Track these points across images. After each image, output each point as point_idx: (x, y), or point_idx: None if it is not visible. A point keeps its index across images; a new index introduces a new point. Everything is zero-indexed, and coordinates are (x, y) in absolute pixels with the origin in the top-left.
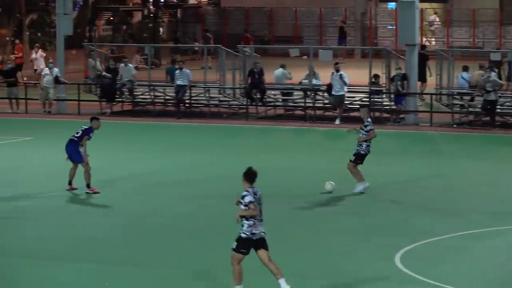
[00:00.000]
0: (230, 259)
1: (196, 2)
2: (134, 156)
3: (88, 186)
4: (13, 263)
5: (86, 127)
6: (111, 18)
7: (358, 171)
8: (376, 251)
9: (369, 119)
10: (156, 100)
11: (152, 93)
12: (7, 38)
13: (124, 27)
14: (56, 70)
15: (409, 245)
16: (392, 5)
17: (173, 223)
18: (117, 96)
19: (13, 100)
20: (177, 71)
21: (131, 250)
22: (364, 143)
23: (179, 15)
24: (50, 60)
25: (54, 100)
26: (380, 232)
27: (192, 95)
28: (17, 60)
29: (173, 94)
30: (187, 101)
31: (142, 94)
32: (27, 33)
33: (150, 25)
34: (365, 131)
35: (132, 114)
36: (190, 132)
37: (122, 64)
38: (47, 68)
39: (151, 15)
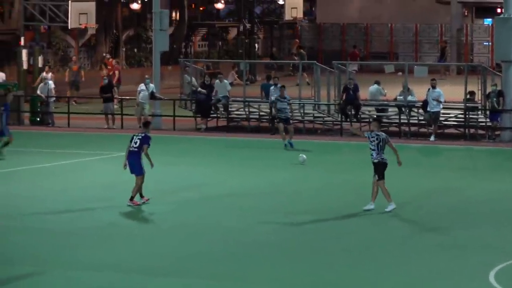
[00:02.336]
0: (324, 274)
1: (291, 18)
2: (229, 172)
3: (131, 199)
4: (120, 279)
5: (143, 135)
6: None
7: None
8: (470, 268)
9: (376, 133)
10: (251, 116)
11: (246, 109)
12: (104, 54)
13: (220, 43)
14: (152, 85)
15: (503, 263)
16: (488, 21)
17: (268, 238)
18: (212, 112)
19: (109, 116)
20: (272, 87)
21: (231, 265)
22: (373, 151)
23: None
24: (146, 76)
25: (150, 115)
26: (473, 249)
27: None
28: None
29: (268, 110)
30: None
31: (237, 110)
32: (124, 49)
33: (246, 41)
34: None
35: (226, 130)
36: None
37: (217, 80)
38: (143, 84)
39: (247, 31)
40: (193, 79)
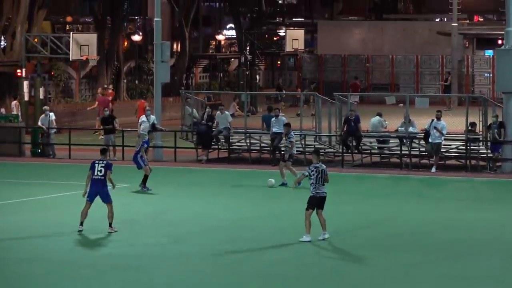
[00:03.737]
0: None
1: (293, 50)
2: (230, 203)
3: (110, 225)
4: None
5: (105, 162)
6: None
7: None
8: None
9: (315, 165)
10: (252, 147)
11: (248, 141)
12: (105, 86)
13: (221, 74)
14: (153, 117)
15: None
16: (489, 52)
17: (268, 270)
18: (213, 143)
19: (110, 147)
20: (273, 119)
21: None
22: (311, 186)
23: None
24: (147, 108)
25: (151, 147)
26: (476, 280)
27: None
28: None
29: (269, 142)
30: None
31: (238, 141)
32: (125, 80)
33: (247, 72)
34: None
35: (228, 161)
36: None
37: (219, 112)
38: (144, 116)
39: (248, 62)
40: (194, 110)
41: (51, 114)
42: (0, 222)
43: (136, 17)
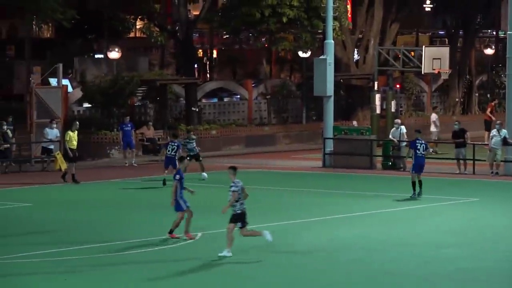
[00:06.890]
0: None
1: None
2: None
3: (170, 232)
4: None
5: (177, 176)
6: None
7: (231, 236)
8: None
9: (235, 180)
10: None
11: None
12: (457, 99)
13: None
14: (504, 131)
15: None
16: None
17: None
18: None
19: (461, 161)
20: None
21: None
22: (237, 202)
23: None
24: (498, 122)
25: (502, 161)
26: None
27: None
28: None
29: None
30: None
31: None
32: (477, 94)
33: None
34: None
35: None
36: None
37: None
38: (495, 130)
39: None
40: None
41: (402, 127)
42: (355, 233)
43: (489, 30)
